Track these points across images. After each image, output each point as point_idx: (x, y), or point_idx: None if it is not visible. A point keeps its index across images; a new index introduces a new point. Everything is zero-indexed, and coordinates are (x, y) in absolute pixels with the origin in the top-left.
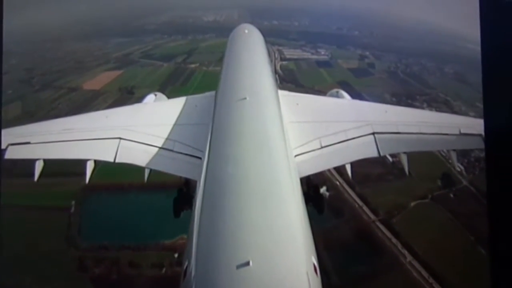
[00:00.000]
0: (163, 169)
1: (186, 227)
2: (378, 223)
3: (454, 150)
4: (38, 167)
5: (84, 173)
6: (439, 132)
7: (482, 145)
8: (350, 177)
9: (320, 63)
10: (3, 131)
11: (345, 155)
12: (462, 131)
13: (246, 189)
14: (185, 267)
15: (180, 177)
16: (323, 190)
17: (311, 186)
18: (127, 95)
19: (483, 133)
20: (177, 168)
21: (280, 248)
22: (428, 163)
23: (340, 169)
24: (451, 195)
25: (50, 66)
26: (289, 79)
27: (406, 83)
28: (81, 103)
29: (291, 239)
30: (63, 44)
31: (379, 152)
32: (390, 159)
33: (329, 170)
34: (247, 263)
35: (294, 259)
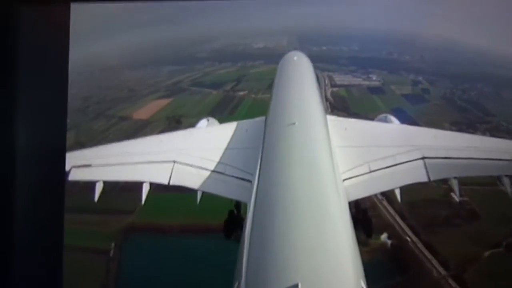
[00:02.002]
0: (215, 191)
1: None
2: (449, 279)
3: (506, 175)
4: (98, 188)
5: (140, 196)
6: (490, 157)
7: None
8: (399, 201)
9: (372, 90)
10: (67, 154)
11: (394, 180)
12: None
13: (295, 212)
14: (235, 287)
15: (231, 200)
16: (384, 237)
17: (359, 210)
18: (175, 124)
19: None
20: (228, 191)
21: (329, 271)
22: (499, 202)
23: (402, 213)
24: None
25: (105, 95)
26: (341, 106)
27: (465, 111)
28: (129, 134)
29: (340, 262)
30: (118, 72)
31: (428, 177)
32: (457, 198)
33: (391, 215)
34: (296, 286)
35: (343, 282)
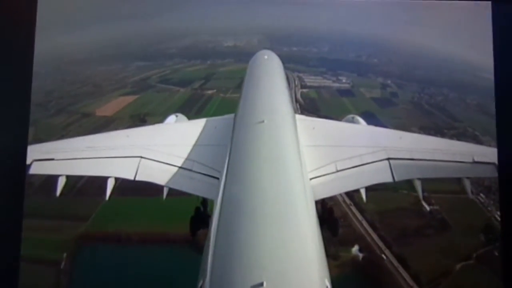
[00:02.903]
0: (182, 188)
1: None
2: None
3: (467, 178)
4: (61, 183)
5: (104, 192)
6: (453, 159)
7: (495, 174)
8: (364, 201)
9: (342, 92)
10: (28, 147)
11: (360, 180)
12: (476, 159)
13: (262, 210)
14: (199, 286)
15: (197, 196)
16: (355, 250)
17: (325, 209)
18: (139, 123)
19: (496, 161)
20: (195, 187)
21: (294, 269)
22: (468, 212)
23: (374, 223)
24: (496, 253)
25: (69, 90)
26: (311, 108)
27: (432, 116)
28: (91, 131)
29: (305, 261)
30: (85, 67)
31: (393, 177)
32: (428, 207)
33: (361, 224)
34: (261, 284)
35: (308, 281)
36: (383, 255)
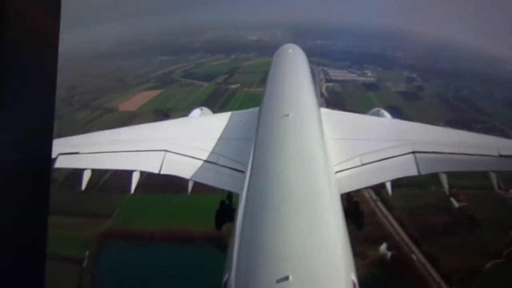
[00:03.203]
0: (207, 181)
1: None
2: None
3: (493, 171)
4: (86, 176)
5: (129, 185)
6: (478, 153)
7: None
8: (390, 195)
9: (367, 86)
10: (54, 141)
11: (385, 173)
12: (502, 153)
13: (287, 204)
14: (225, 280)
15: (223, 190)
16: (383, 248)
17: (351, 202)
18: (163, 118)
19: None
20: (220, 181)
21: (319, 263)
22: (497, 208)
23: (403, 221)
24: None
25: (92, 84)
26: (336, 102)
27: (459, 110)
28: (114, 126)
29: (330, 255)
30: (109, 61)
31: (419, 171)
32: (456, 204)
33: (390, 223)
34: (287, 278)
35: (334, 275)
36: (413, 255)
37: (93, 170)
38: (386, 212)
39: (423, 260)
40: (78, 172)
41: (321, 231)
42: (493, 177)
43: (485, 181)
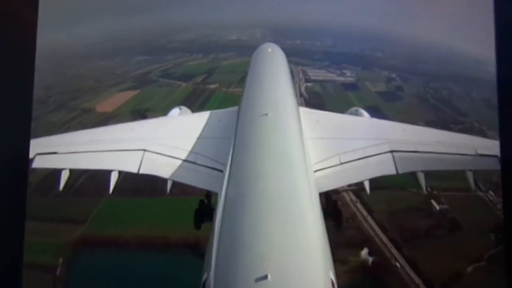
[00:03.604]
0: (186, 181)
1: None
2: None
3: (471, 170)
4: (64, 176)
5: (105, 189)
6: (456, 152)
7: (498, 166)
8: (368, 193)
9: (347, 86)
10: (31, 141)
11: (363, 172)
12: (479, 152)
13: (266, 203)
14: (204, 279)
15: (202, 189)
16: (364, 253)
17: (330, 201)
18: (140, 119)
19: (499, 154)
20: (199, 180)
21: (298, 262)
22: (478, 210)
23: (383, 225)
24: None
25: (69, 85)
26: (315, 103)
27: (438, 110)
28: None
29: (309, 254)
30: (86, 61)
31: (397, 170)
32: (437, 207)
33: (371, 227)
34: (265, 277)
35: (312, 273)
36: (397, 263)
37: (71, 171)
38: (366, 214)
39: (406, 265)
40: (53, 176)
41: (299, 230)
42: (470, 176)
43: (466, 183)
